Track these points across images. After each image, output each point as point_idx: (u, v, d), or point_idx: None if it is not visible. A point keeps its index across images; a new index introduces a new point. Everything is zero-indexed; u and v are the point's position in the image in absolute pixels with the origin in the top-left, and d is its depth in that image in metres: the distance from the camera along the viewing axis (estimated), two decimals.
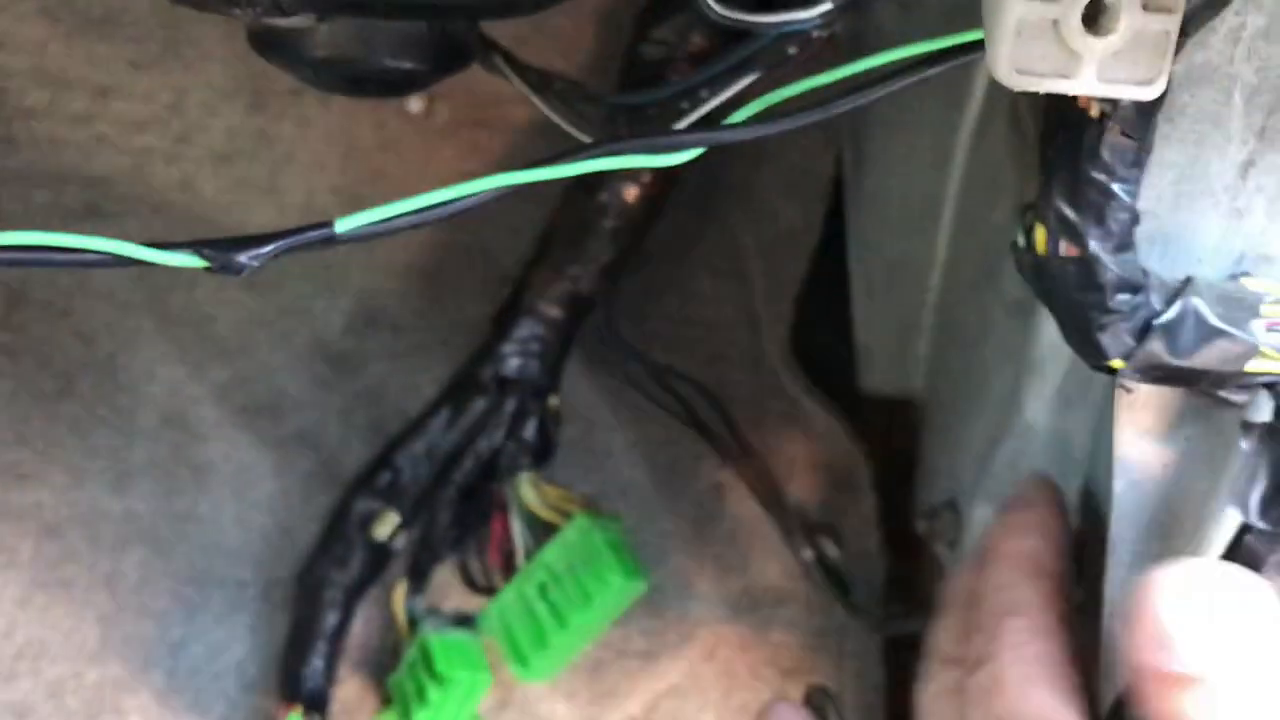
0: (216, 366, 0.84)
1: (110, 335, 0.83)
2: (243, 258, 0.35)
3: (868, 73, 0.33)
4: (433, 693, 0.58)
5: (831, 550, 0.81)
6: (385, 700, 0.67)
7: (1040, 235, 0.37)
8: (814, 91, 0.34)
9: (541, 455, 0.66)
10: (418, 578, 0.65)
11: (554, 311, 0.68)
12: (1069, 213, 0.36)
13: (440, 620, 0.63)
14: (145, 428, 0.82)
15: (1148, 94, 0.31)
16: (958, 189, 0.70)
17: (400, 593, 0.64)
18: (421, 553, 0.65)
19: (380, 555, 0.66)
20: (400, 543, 0.66)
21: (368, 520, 0.64)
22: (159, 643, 0.80)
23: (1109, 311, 0.36)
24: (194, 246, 0.35)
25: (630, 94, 0.50)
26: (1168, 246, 0.38)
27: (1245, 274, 0.38)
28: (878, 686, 0.85)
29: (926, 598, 0.81)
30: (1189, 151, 0.37)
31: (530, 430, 0.65)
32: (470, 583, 0.64)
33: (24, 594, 0.80)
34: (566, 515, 0.61)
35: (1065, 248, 0.36)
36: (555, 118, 0.47)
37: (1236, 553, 0.39)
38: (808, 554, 0.80)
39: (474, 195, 0.34)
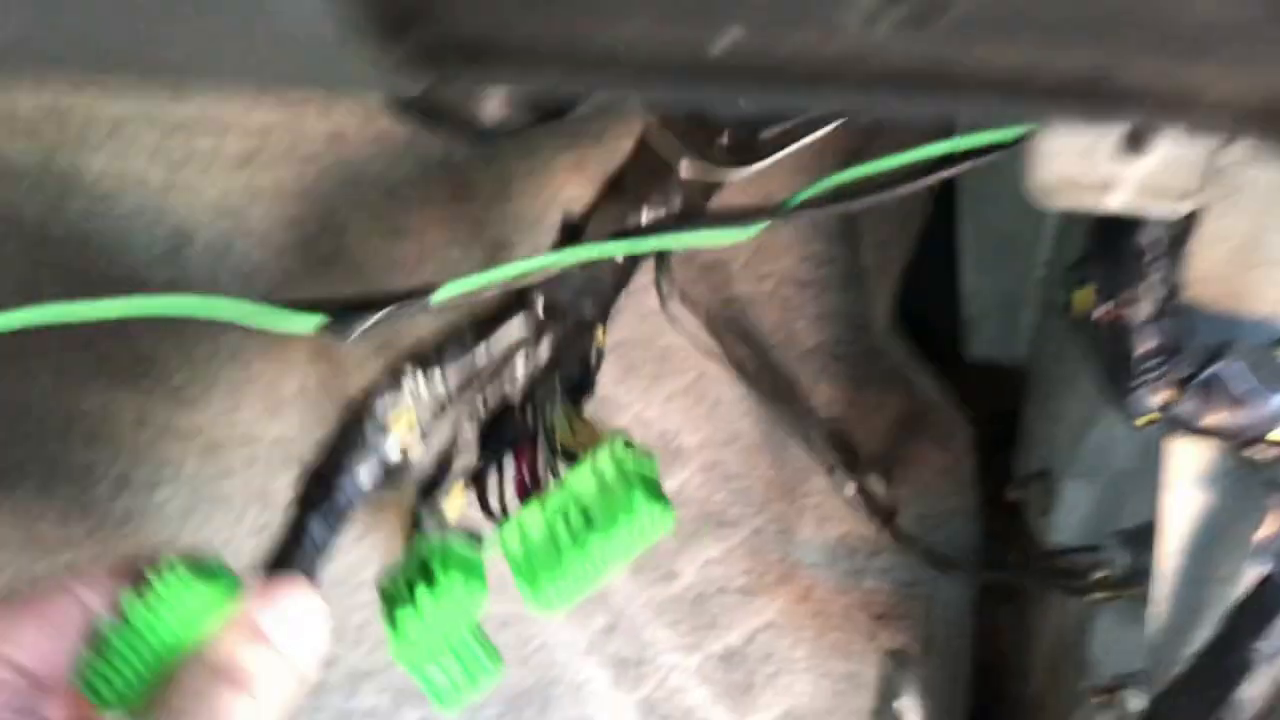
0: None
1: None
2: (353, 334, 0.42)
3: (920, 161, 0.37)
4: (421, 594, 0.54)
5: (878, 486, 0.83)
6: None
7: (1081, 296, 0.40)
8: (877, 174, 0.37)
9: (580, 389, 0.61)
10: (428, 493, 0.59)
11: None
12: (1108, 281, 0.39)
13: (444, 529, 0.58)
14: (297, 360, 0.90)
15: (1181, 210, 0.34)
16: None
17: (408, 504, 0.59)
18: (436, 469, 0.60)
19: (393, 462, 0.60)
20: (416, 453, 0.59)
21: (385, 417, 0.59)
22: None
23: (1140, 374, 0.39)
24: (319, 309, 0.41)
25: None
26: (1217, 311, 0.41)
27: None
28: (965, 636, 0.89)
29: (1019, 557, 0.84)
30: (1250, 223, 0.39)
31: (572, 362, 0.60)
32: (485, 509, 0.58)
33: (187, 506, 0.89)
34: (596, 447, 0.55)
35: (1103, 311, 0.39)
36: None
37: (1258, 597, 0.42)
38: (850, 488, 0.83)
39: (554, 265, 0.39)
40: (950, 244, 0.82)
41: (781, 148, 0.51)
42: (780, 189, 0.86)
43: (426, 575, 0.55)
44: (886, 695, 0.75)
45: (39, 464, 0.89)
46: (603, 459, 0.53)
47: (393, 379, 0.59)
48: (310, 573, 0.54)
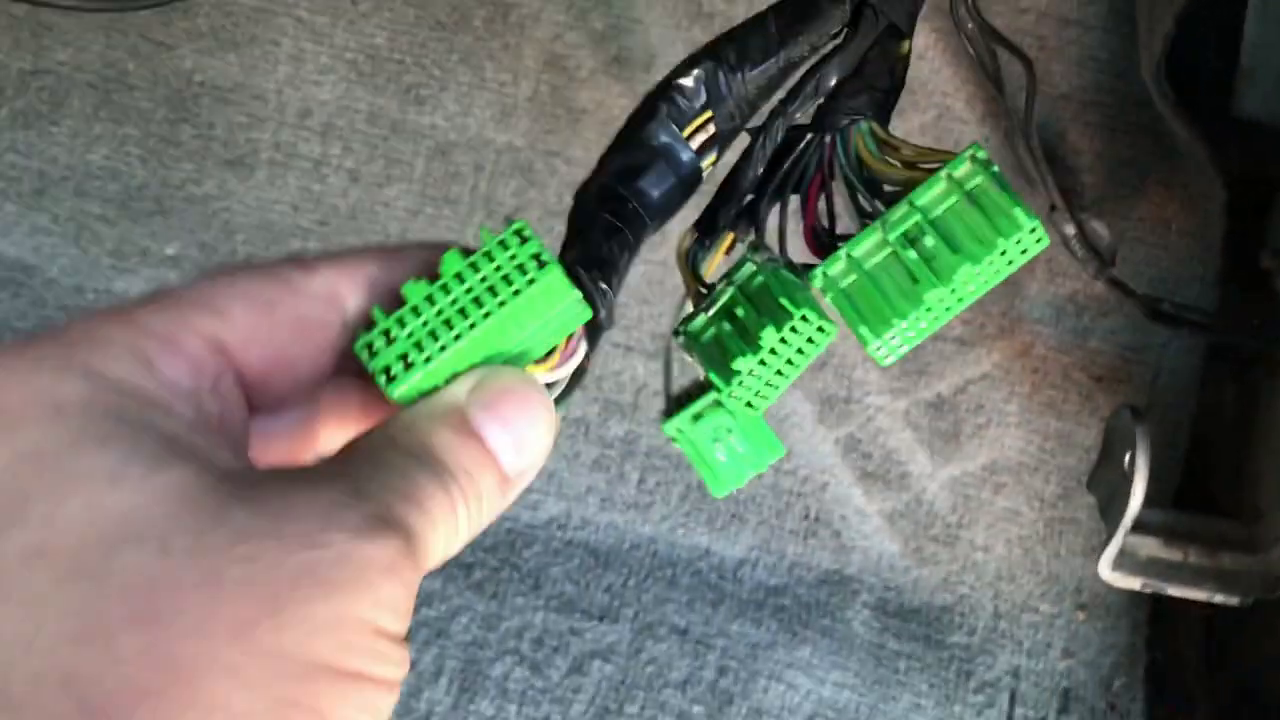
0: (597, 16, 0.88)
1: None
2: None
3: None
4: (767, 332, 0.42)
5: (1102, 231, 0.78)
6: (673, 401, 0.49)
7: None
8: None
9: (886, 104, 0.50)
10: (710, 230, 0.48)
11: None
12: None
13: (768, 256, 0.46)
14: (529, 68, 0.89)
15: None
16: None
17: (686, 242, 0.48)
18: (721, 199, 0.49)
19: (688, 171, 0.48)
20: (709, 164, 0.48)
21: (679, 120, 0.47)
22: None
23: None
24: None
25: None
26: None
27: None
28: (1188, 407, 0.86)
29: (1261, 322, 0.80)
30: None
31: (880, 73, 0.50)
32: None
33: (415, 205, 0.90)
34: (919, 171, 0.44)
35: None
36: None
37: None
38: (1070, 229, 0.78)
39: None
40: None
41: None
42: None
43: (766, 307, 0.44)
44: (1115, 447, 0.73)
45: (273, 151, 0.91)
46: (963, 169, 0.42)
47: (686, 72, 0.47)
48: (607, 285, 0.42)
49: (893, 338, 0.43)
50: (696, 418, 0.48)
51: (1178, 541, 0.75)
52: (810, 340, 0.43)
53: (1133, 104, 0.85)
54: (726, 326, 0.45)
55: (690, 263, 0.48)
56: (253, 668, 0.26)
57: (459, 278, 0.33)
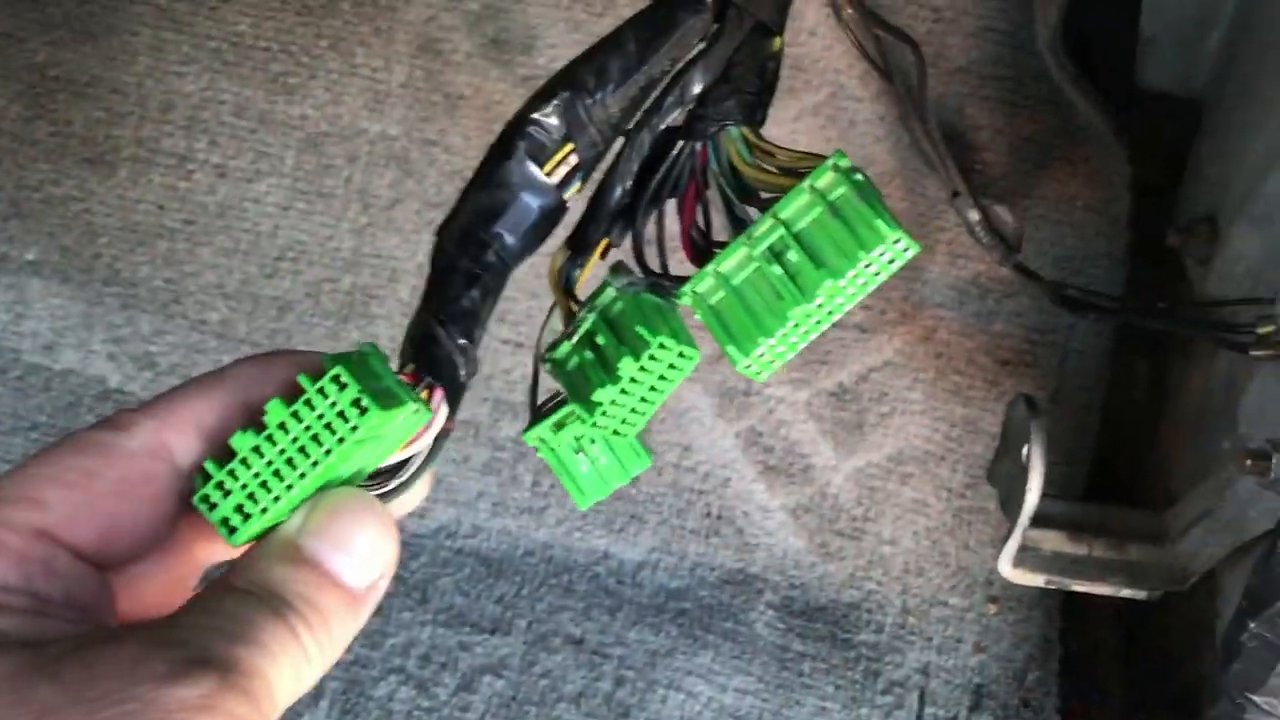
0: None
1: None
2: None
3: None
4: (625, 363, 0.42)
5: (1006, 216, 0.75)
6: (536, 410, 0.48)
7: None
8: None
9: (756, 106, 0.48)
10: (581, 247, 0.47)
11: None
12: None
13: (628, 280, 0.45)
14: (402, 53, 0.84)
15: None
16: None
17: (559, 261, 0.47)
18: (590, 216, 0.48)
19: (549, 206, 0.47)
20: (573, 193, 0.48)
21: (538, 156, 0.46)
22: (408, 259, 0.85)
23: None
24: None
25: None
26: None
27: None
28: (1098, 389, 0.84)
29: (1170, 307, 0.78)
30: None
31: (749, 75, 0.48)
32: (643, 268, 0.47)
33: (286, 200, 0.85)
34: (793, 177, 0.43)
35: None
36: None
37: None
38: (973, 215, 0.75)
39: None
40: None
41: None
42: None
43: (623, 336, 0.43)
44: (1013, 439, 0.70)
45: (135, 147, 0.86)
46: (825, 179, 0.41)
47: (543, 104, 0.46)
48: (468, 341, 0.42)
49: (761, 355, 0.42)
50: (559, 426, 0.46)
51: (1083, 535, 0.73)
52: (672, 366, 0.43)
53: (1033, 77, 0.82)
54: (588, 355, 0.44)
55: (564, 281, 0.46)
56: None
57: (283, 427, 0.35)
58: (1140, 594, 0.71)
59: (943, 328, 0.84)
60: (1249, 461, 0.62)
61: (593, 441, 0.47)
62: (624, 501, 0.85)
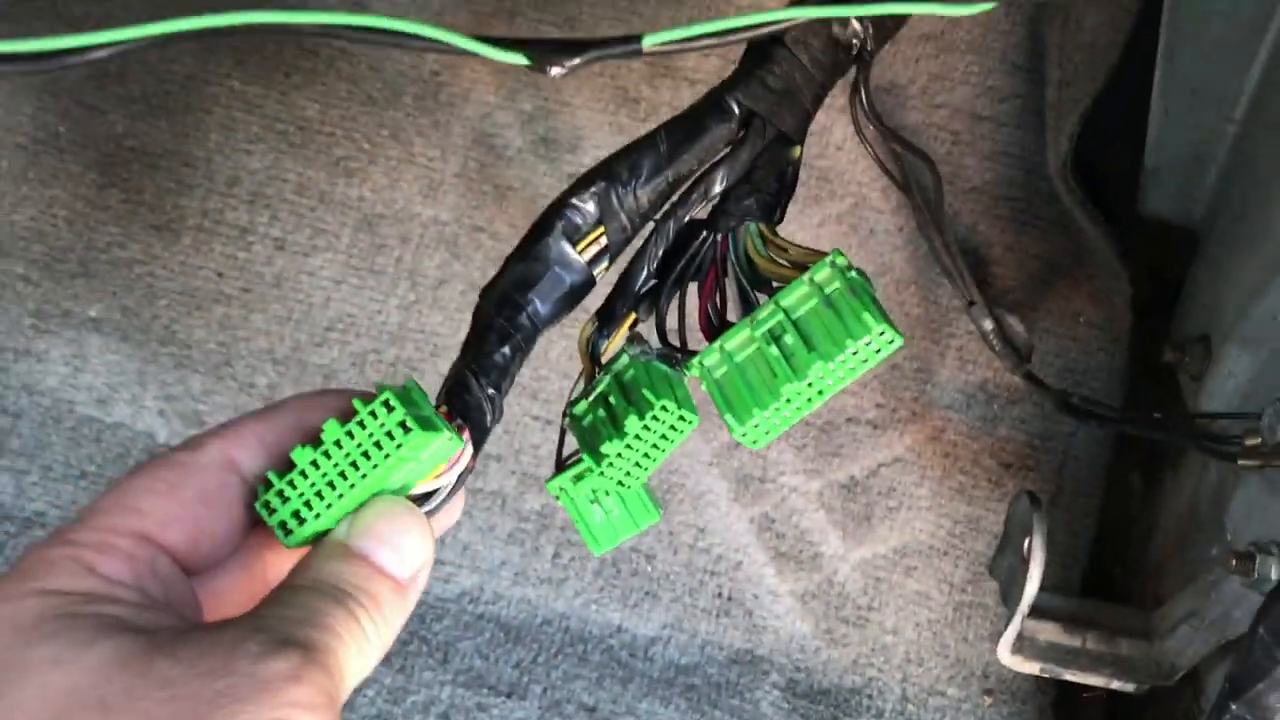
0: (526, 97, 0.90)
1: (437, 54, 0.90)
2: (555, 70, 0.41)
3: None
4: (630, 421, 0.47)
5: (1018, 327, 0.80)
6: (560, 463, 0.54)
7: None
8: None
9: (773, 206, 0.54)
10: (608, 320, 0.53)
11: (817, 54, 0.56)
12: None
13: (642, 349, 0.51)
14: (457, 145, 0.90)
15: None
16: None
17: (588, 331, 0.53)
18: (618, 293, 0.54)
19: (579, 281, 0.53)
20: (601, 271, 0.54)
21: (573, 236, 0.52)
22: (450, 336, 0.90)
23: None
24: (521, 45, 0.40)
25: None
26: None
27: None
28: (1094, 495, 0.88)
29: (1164, 416, 0.82)
30: None
31: (769, 179, 0.55)
32: (664, 343, 0.53)
33: (339, 275, 0.91)
34: (801, 270, 0.49)
35: None
36: None
37: None
38: (988, 324, 0.80)
39: (775, 23, 0.38)
40: (1140, 91, 0.78)
41: None
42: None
43: (631, 398, 0.49)
44: (1015, 533, 0.74)
45: (200, 217, 0.92)
46: (823, 274, 0.47)
47: (582, 190, 0.53)
48: (496, 391, 0.47)
49: (755, 424, 0.47)
50: (578, 479, 0.52)
51: (1077, 628, 0.76)
52: (672, 428, 0.48)
53: (1043, 199, 0.88)
54: (601, 413, 0.50)
55: (590, 349, 0.52)
56: None
57: (338, 444, 0.40)
58: (1129, 686, 0.75)
59: (950, 428, 0.89)
60: (1234, 562, 0.66)
61: (607, 494, 0.53)
62: (639, 578, 0.89)
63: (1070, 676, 0.75)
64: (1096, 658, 0.76)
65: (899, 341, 0.46)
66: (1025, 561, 0.72)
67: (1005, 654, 0.74)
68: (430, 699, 0.84)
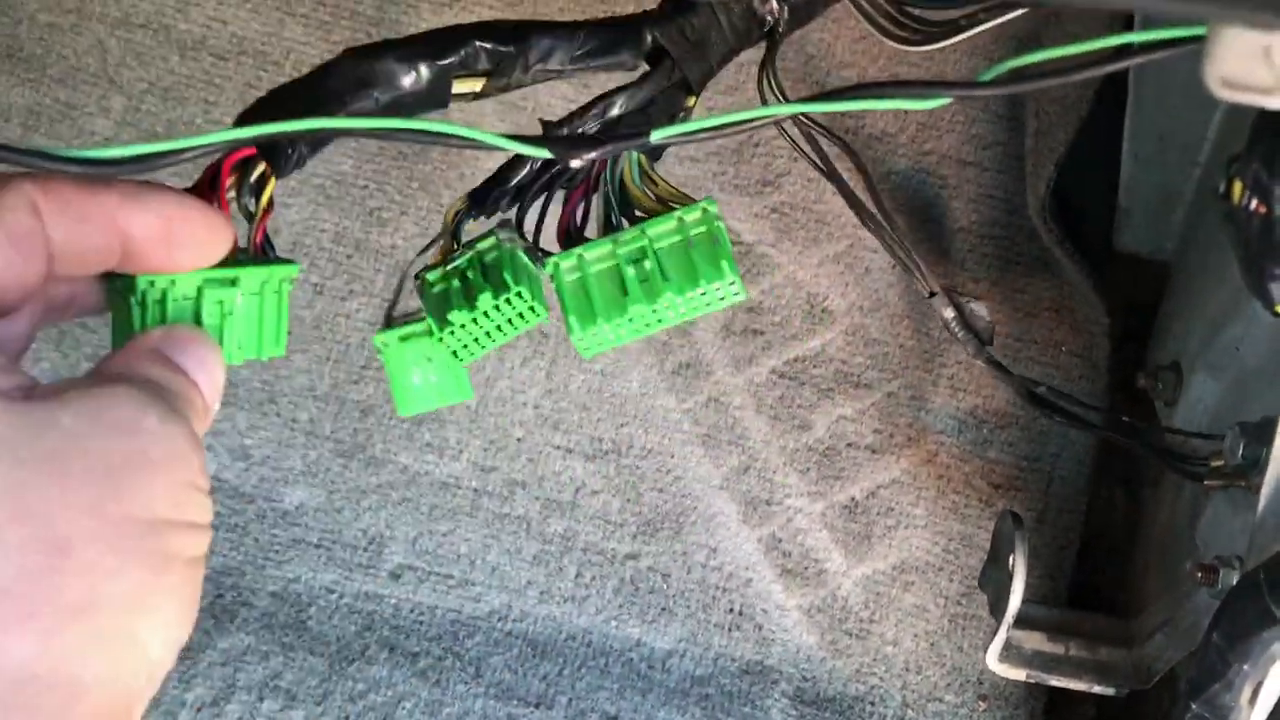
0: None
1: (459, 108, 0.97)
2: (575, 162, 0.47)
3: (1098, 50, 0.41)
4: (484, 297, 0.50)
5: (978, 311, 0.84)
6: (390, 320, 0.56)
7: (1237, 188, 0.44)
8: (1056, 59, 0.42)
9: (658, 149, 0.54)
10: (479, 204, 0.54)
11: (735, 20, 0.58)
12: (1263, 176, 0.43)
13: (510, 236, 0.52)
14: None
15: None
16: None
17: (457, 207, 0.55)
18: (495, 181, 0.55)
19: (437, 88, 0.54)
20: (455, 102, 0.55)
21: (458, 70, 0.53)
22: (477, 373, 0.97)
23: None
24: (546, 142, 0.46)
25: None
26: None
27: None
28: (1078, 512, 0.94)
29: (1132, 421, 0.88)
30: None
31: (661, 117, 0.55)
32: (519, 233, 0.54)
33: (374, 317, 0.98)
34: (665, 207, 0.51)
35: (1255, 205, 0.44)
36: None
37: None
38: (949, 312, 0.83)
39: (764, 119, 0.44)
40: (1112, 137, 0.85)
41: (968, 29, 0.55)
42: (952, 69, 0.89)
43: (492, 278, 0.51)
44: (1000, 549, 0.80)
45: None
46: (693, 216, 0.50)
47: (492, 38, 0.53)
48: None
49: (594, 334, 0.50)
50: (404, 339, 0.54)
51: (1060, 636, 0.83)
52: (520, 315, 0.51)
53: (1025, 238, 0.94)
54: (455, 284, 0.52)
55: (455, 223, 0.55)
56: (111, 534, 0.34)
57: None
58: (1109, 690, 0.81)
59: (944, 452, 0.95)
60: (1199, 574, 0.72)
61: (429, 360, 0.55)
62: (656, 595, 0.95)
63: (1055, 681, 0.81)
64: (1079, 664, 0.82)
65: (743, 295, 0.50)
66: (1010, 575, 0.78)
67: (993, 661, 0.80)
68: (464, 711, 0.91)
